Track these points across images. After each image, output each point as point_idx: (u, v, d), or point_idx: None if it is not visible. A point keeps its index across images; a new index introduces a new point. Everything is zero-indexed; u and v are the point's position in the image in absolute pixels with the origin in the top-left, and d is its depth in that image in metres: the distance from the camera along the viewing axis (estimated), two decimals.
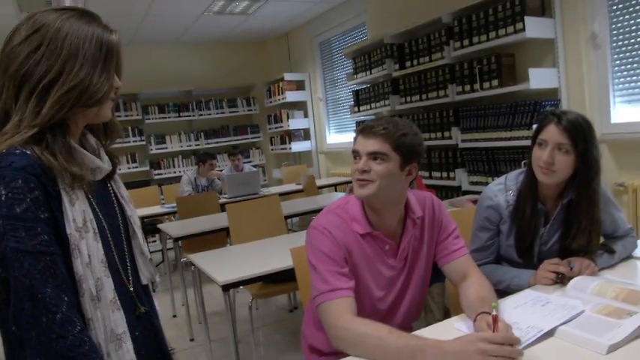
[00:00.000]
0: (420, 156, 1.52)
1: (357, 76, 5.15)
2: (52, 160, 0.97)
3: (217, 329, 3.65)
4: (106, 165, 1.13)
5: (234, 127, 7.49)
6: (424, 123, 4.33)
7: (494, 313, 1.22)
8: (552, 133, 1.64)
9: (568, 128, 1.62)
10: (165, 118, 6.96)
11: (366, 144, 1.46)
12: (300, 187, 5.66)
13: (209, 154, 5.70)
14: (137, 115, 6.75)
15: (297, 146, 6.93)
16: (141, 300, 1.17)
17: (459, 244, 1.61)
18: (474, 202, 3.11)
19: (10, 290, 0.92)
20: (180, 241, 3.77)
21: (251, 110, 7.51)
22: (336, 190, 5.83)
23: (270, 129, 7.41)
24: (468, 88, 3.85)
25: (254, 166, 6.76)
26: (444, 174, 4.23)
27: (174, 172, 6.97)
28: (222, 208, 4.61)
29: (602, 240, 1.79)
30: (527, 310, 1.40)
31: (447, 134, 4.12)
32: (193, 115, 7.10)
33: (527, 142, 3.26)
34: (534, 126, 3.27)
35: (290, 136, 6.98)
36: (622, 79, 3.26)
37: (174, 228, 3.93)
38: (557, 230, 1.77)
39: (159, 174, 6.91)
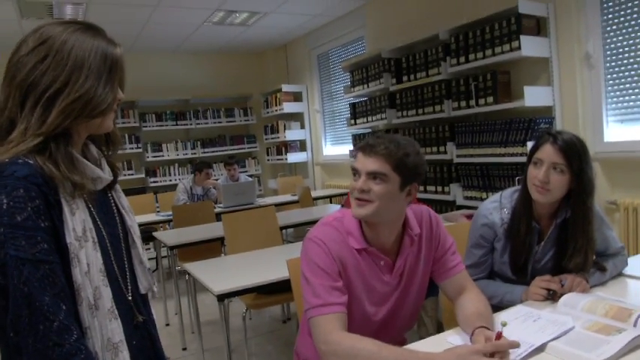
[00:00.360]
0: (421, 176, 1.50)
1: (355, 89, 5.20)
2: (53, 170, 0.99)
3: (210, 339, 3.64)
4: (106, 175, 1.15)
5: (230, 136, 7.52)
6: (420, 137, 4.38)
7: (500, 330, 1.23)
8: (548, 152, 1.67)
9: (563, 148, 1.65)
10: (163, 126, 6.99)
11: (366, 163, 1.44)
12: (295, 197, 5.68)
13: (205, 163, 5.71)
14: (134, 122, 6.77)
15: (293, 157, 6.96)
16: (139, 309, 1.18)
17: (457, 260, 1.62)
18: (468, 217, 3.14)
19: (9, 297, 0.93)
20: (175, 250, 3.77)
21: (248, 120, 7.54)
22: (331, 202, 5.86)
23: (266, 139, 7.45)
24: (463, 104, 3.90)
25: (250, 175, 6.77)
26: (439, 188, 4.27)
27: (170, 181, 6.98)
28: (218, 217, 4.62)
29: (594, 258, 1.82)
30: (518, 326, 1.42)
31: (442, 149, 4.17)
32: (190, 124, 7.13)
33: (522, 159, 3.33)
34: (529, 143, 3.33)
35: (286, 147, 7.01)
36: (615, 99, 3.32)
37: (169, 236, 3.93)
38: (551, 248, 1.80)
39: (154, 182, 6.92)
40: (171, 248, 3.69)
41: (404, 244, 1.55)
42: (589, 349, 1.23)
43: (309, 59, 6.79)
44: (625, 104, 3.28)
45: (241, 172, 6.43)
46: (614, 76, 3.31)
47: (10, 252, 0.93)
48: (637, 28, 3.15)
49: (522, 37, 3.36)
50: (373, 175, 1.43)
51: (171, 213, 4.72)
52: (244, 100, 7.62)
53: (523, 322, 1.45)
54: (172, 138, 7.12)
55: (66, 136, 1.05)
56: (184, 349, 3.60)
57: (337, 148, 6.52)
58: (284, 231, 4.39)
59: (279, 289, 2.54)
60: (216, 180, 5.87)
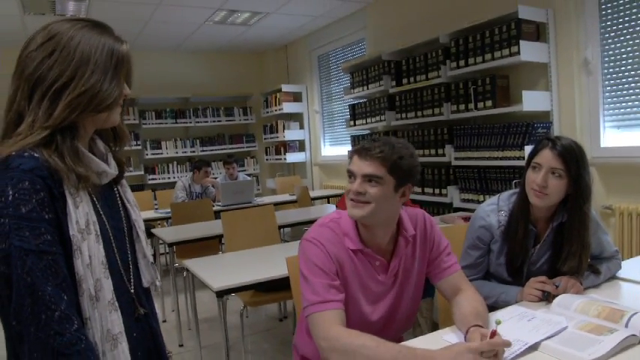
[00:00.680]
0: (414, 178, 1.53)
1: (354, 90, 5.23)
2: (58, 162, 1.01)
3: (207, 336, 3.67)
4: (112, 170, 1.16)
5: (230, 135, 7.54)
6: (419, 140, 4.41)
7: (495, 328, 1.27)
8: (546, 157, 1.70)
9: (562, 153, 1.68)
10: (162, 123, 7.01)
11: (361, 166, 1.47)
12: (293, 197, 5.71)
13: (204, 161, 5.73)
14: (134, 119, 6.79)
15: (291, 157, 6.99)
16: (141, 302, 1.20)
17: (452, 261, 1.65)
18: (465, 219, 3.17)
19: (12, 287, 0.95)
20: (173, 247, 3.79)
21: (247, 120, 7.57)
22: (328, 202, 5.89)
23: (265, 139, 7.47)
24: (462, 107, 3.94)
25: (248, 175, 6.80)
26: (437, 190, 4.30)
27: (169, 178, 7.01)
28: (216, 215, 4.64)
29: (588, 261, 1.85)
30: (513, 325, 1.45)
31: (440, 151, 4.20)
32: (190, 122, 7.16)
33: (519, 163, 3.36)
34: (526, 147, 3.36)
35: (285, 146, 7.04)
36: (612, 105, 3.36)
37: (167, 233, 3.96)
38: (547, 251, 1.83)
39: (153, 179, 6.94)
40: (170, 245, 3.71)
41: (399, 244, 1.59)
42: (581, 348, 1.26)
43: (309, 60, 6.82)
44: (622, 110, 3.32)
45: (240, 171, 6.46)
46: (612, 82, 3.34)
47: (14, 242, 0.95)
48: (635, 35, 3.19)
49: (522, 42, 3.40)
50: (369, 178, 1.46)
51: (169, 210, 4.75)
52: (244, 99, 7.64)
53: (518, 322, 1.48)
54: (172, 136, 7.15)
55: (72, 130, 1.06)
56: (181, 345, 3.62)
57: (336, 149, 6.55)
58: (281, 230, 4.42)
59: (277, 287, 2.57)
60: (215, 178, 5.89)
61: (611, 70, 3.34)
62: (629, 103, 3.27)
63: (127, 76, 1.16)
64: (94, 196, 1.11)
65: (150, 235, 4.36)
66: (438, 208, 4.37)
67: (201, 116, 7.25)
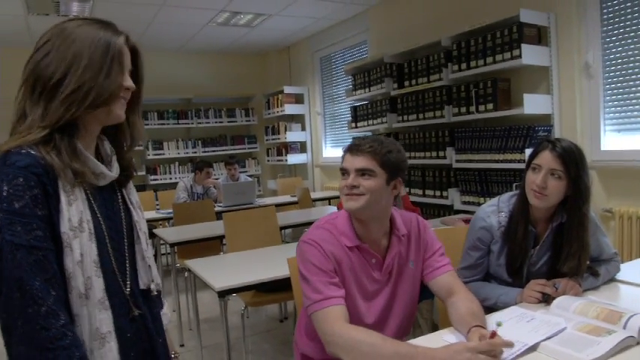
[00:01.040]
0: (403, 172, 1.61)
1: (356, 92, 5.25)
2: (54, 160, 1.03)
3: (207, 336, 3.68)
4: (113, 173, 1.17)
5: (231, 136, 7.56)
6: (420, 142, 4.42)
7: (495, 329, 1.28)
8: (546, 158, 1.72)
9: (562, 155, 1.70)
10: (164, 124, 7.03)
11: (354, 161, 1.55)
12: (294, 199, 5.72)
13: (206, 162, 5.75)
14: None
15: (293, 159, 7.00)
16: (137, 303, 1.19)
17: (444, 262, 1.68)
18: (466, 221, 3.18)
19: (2, 280, 0.97)
20: (175, 247, 3.81)
21: (249, 121, 7.59)
22: (329, 204, 5.90)
23: (267, 140, 7.49)
24: (464, 110, 3.95)
25: (250, 176, 6.81)
26: (437, 192, 4.31)
27: (171, 179, 7.02)
28: (218, 216, 4.65)
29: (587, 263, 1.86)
30: (513, 325, 1.47)
31: (441, 154, 4.21)
32: (192, 123, 7.18)
33: (520, 165, 3.38)
34: (527, 150, 3.38)
35: (287, 148, 7.05)
36: (613, 109, 3.37)
37: (169, 234, 3.97)
38: (546, 252, 1.84)
39: (155, 179, 6.96)
40: (172, 245, 3.72)
41: (392, 242, 1.64)
42: (580, 348, 1.28)
43: (311, 62, 6.84)
44: (622, 114, 3.33)
45: (241, 172, 6.47)
46: (613, 86, 3.36)
47: (5, 237, 0.97)
48: (636, 39, 3.21)
49: (523, 46, 3.41)
50: (362, 172, 1.54)
51: (171, 211, 4.77)
52: (246, 100, 7.66)
53: (517, 323, 1.49)
54: (174, 136, 7.16)
55: (72, 128, 1.08)
56: (182, 345, 3.64)
57: (337, 151, 6.55)
58: (282, 231, 4.43)
59: (278, 287, 2.58)
60: (217, 179, 5.91)
61: (612, 74, 3.36)
62: (630, 107, 3.29)
63: (137, 70, 1.18)
64: (91, 195, 1.12)
65: (152, 235, 4.38)
66: (439, 211, 4.38)
67: (203, 117, 7.26)
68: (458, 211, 4.06)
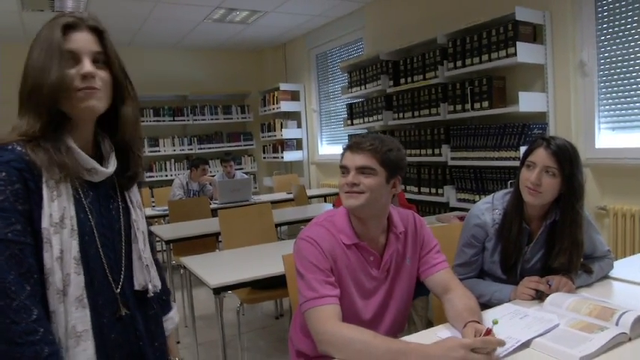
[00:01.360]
0: (403, 170, 1.62)
1: (352, 90, 5.25)
2: (39, 156, 1.03)
3: (203, 333, 3.68)
4: (108, 169, 1.15)
5: (227, 133, 7.55)
6: (415, 139, 4.43)
7: (491, 327, 1.29)
8: (541, 156, 1.73)
9: (556, 152, 1.71)
10: (160, 121, 7.01)
11: (354, 159, 1.55)
12: (290, 196, 5.72)
13: (202, 159, 5.74)
14: None
15: (289, 156, 7.01)
16: (126, 304, 1.17)
17: (440, 259, 1.69)
18: (461, 218, 3.19)
19: None
20: (170, 244, 3.81)
21: (245, 118, 7.58)
22: (325, 201, 5.91)
23: (263, 137, 7.49)
24: (459, 107, 3.96)
25: (245, 173, 6.81)
26: (433, 190, 4.33)
27: (166, 176, 7.01)
28: (213, 213, 4.65)
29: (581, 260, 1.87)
30: (506, 322, 1.47)
31: (437, 151, 4.22)
32: (188, 120, 7.16)
33: (515, 163, 3.39)
34: (522, 147, 3.39)
35: (282, 145, 7.06)
36: (607, 107, 3.39)
37: (164, 230, 3.97)
38: (540, 249, 1.86)
39: (150, 177, 6.94)
40: (167, 242, 3.72)
41: (390, 240, 1.64)
42: (572, 345, 1.29)
43: (307, 59, 6.83)
44: (617, 112, 3.35)
45: (237, 170, 6.47)
46: (607, 84, 3.37)
47: None
48: (630, 38, 3.22)
49: (518, 44, 3.42)
50: (362, 170, 1.54)
51: (166, 208, 4.76)
52: (242, 97, 7.65)
53: (511, 319, 1.50)
54: (169, 134, 7.15)
55: (62, 124, 1.08)
56: (178, 342, 3.63)
57: (333, 148, 6.57)
58: (278, 228, 4.43)
59: (273, 284, 2.59)
60: (213, 176, 5.90)
61: (606, 72, 3.37)
62: (624, 105, 3.30)
63: (105, 51, 1.11)
64: (82, 191, 1.11)
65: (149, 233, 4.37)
66: (435, 208, 4.39)
67: (199, 114, 7.25)
68: (453, 209, 4.08)
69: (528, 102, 3.52)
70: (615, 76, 3.33)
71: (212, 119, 7.33)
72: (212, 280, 2.33)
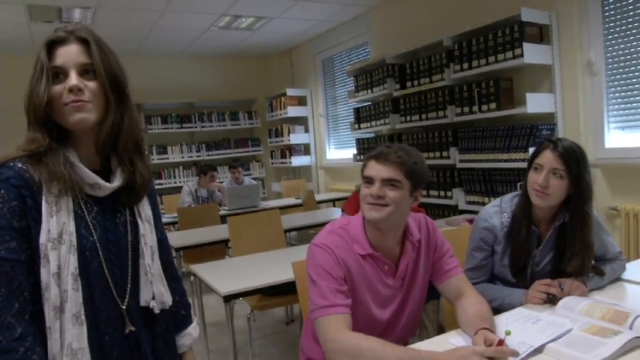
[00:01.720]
0: (425, 183, 1.59)
1: (359, 94, 5.25)
2: (38, 171, 1.04)
3: (214, 340, 3.68)
4: (112, 184, 1.14)
5: (235, 139, 7.57)
6: (423, 142, 4.42)
7: (503, 337, 1.28)
8: (548, 158, 1.73)
9: (563, 154, 1.71)
10: (168, 128, 7.05)
11: (381, 170, 1.52)
12: (299, 201, 5.73)
13: (210, 165, 5.76)
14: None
15: (297, 161, 7.01)
16: (132, 320, 1.15)
17: (454, 264, 1.68)
18: (470, 221, 3.18)
19: None
20: (180, 251, 3.82)
21: (252, 124, 7.60)
22: (334, 206, 5.90)
23: (270, 143, 7.51)
24: (466, 109, 3.95)
25: (254, 179, 6.82)
26: (442, 193, 4.31)
27: (175, 183, 7.04)
28: (222, 219, 4.67)
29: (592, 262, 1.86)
30: (518, 327, 1.46)
31: (445, 154, 4.21)
32: (195, 127, 7.19)
33: (524, 165, 3.37)
34: (530, 149, 3.37)
35: (290, 150, 7.07)
36: (616, 106, 3.36)
37: (174, 238, 3.98)
38: (550, 252, 1.84)
39: (159, 184, 6.97)
40: (177, 250, 3.73)
41: (406, 249, 1.62)
42: (586, 350, 1.27)
43: (313, 64, 6.85)
44: (626, 111, 3.32)
45: (245, 175, 6.48)
46: (616, 83, 3.35)
47: None
48: (638, 36, 3.20)
49: (525, 45, 3.41)
50: (388, 182, 1.50)
51: (176, 215, 4.78)
52: (249, 103, 7.68)
53: (523, 324, 1.49)
54: (177, 141, 7.18)
55: (65, 140, 1.09)
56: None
57: (341, 152, 6.57)
58: (287, 234, 4.44)
59: (284, 290, 2.59)
60: (221, 183, 5.92)
61: (614, 71, 3.35)
62: (634, 104, 3.27)
63: (61, 67, 1.07)
64: (84, 206, 1.10)
65: None
66: (444, 211, 4.37)
67: (207, 121, 7.28)
68: (462, 211, 4.06)
69: (536, 103, 3.50)
70: (624, 75, 3.30)
71: (219, 126, 7.36)
72: (222, 287, 2.33)
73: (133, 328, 1.14)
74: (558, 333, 1.38)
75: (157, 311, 1.19)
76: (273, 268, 2.64)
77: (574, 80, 3.47)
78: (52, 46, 1.08)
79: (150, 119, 6.91)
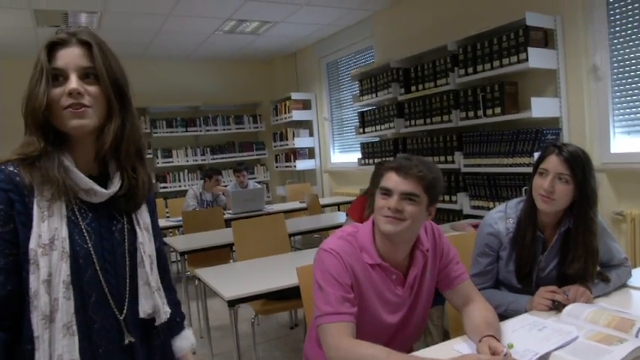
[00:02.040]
0: (439, 197, 1.58)
1: (363, 98, 5.25)
2: (30, 176, 1.02)
3: (219, 344, 3.68)
4: (109, 190, 1.10)
5: (240, 143, 7.59)
6: (428, 147, 4.42)
7: (508, 350, 1.28)
8: (553, 163, 1.73)
9: (568, 159, 1.71)
10: (173, 132, 7.07)
11: (400, 183, 1.49)
12: (303, 205, 5.73)
13: (215, 169, 5.77)
14: (145, 128, 6.83)
15: (301, 164, 7.02)
16: (131, 331, 1.11)
17: (460, 270, 1.67)
18: (475, 226, 3.17)
19: None
20: (185, 255, 3.83)
21: (257, 127, 7.61)
22: (339, 210, 5.90)
23: (275, 146, 7.52)
24: (471, 114, 3.94)
25: (258, 182, 6.83)
26: (446, 197, 4.30)
27: (180, 186, 7.06)
28: (227, 223, 4.67)
29: (597, 269, 1.85)
30: (524, 334, 1.46)
31: (450, 158, 4.20)
32: (200, 131, 7.21)
33: (528, 169, 3.36)
34: (535, 153, 3.36)
35: (295, 154, 7.07)
36: (622, 111, 3.35)
37: (179, 242, 3.99)
38: (555, 257, 1.84)
39: (164, 187, 7.00)
40: (182, 254, 3.74)
41: (416, 258, 1.61)
42: (591, 358, 1.27)
43: (318, 68, 6.86)
44: (632, 116, 3.31)
45: (250, 179, 6.49)
46: (621, 88, 3.34)
47: None
48: None
49: (530, 49, 3.40)
50: (407, 196, 1.48)
51: (180, 219, 4.79)
52: (254, 107, 7.70)
53: (529, 331, 1.48)
54: (182, 144, 7.21)
55: (61, 144, 1.06)
56: (193, 353, 3.64)
57: (345, 156, 6.57)
58: (292, 238, 4.44)
59: (288, 295, 2.59)
60: (225, 186, 5.93)
61: (620, 75, 3.33)
62: (639, 109, 3.26)
63: (62, 70, 1.04)
64: (79, 212, 1.07)
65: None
66: (448, 215, 4.37)
67: (212, 124, 7.30)
68: (467, 216, 4.05)
69: (541, 107, 3.49)
70: (629, 80, 3.29)
71: (224, 129, 7.38)
72: (226, 292, 2.33)
73: (132, 339, 1.11)
74: (564, 341, 1.37)
75: (157, 323, 1.16)
76: (278, 272, 2.65)
77: (579, 85, 3.46)
78: (52, 47, 1.05)
79: (155, 123, 6.94)
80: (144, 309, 1.13)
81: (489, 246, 1.89)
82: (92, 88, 1.05)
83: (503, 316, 1.70)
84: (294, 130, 7.01)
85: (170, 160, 7.06)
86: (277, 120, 7.34)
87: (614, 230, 3.15)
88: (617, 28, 3.31)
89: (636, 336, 1.35)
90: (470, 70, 3.91)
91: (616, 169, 3.31)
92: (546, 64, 3.50)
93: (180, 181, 7.14)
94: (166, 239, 4.21)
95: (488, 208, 3.82)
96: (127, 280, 1.12)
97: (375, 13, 5.44)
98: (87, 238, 1.06)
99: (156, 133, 6.93)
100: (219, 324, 4.07)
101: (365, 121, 5.31)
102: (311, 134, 7.05)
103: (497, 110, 3.71)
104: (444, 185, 1.58)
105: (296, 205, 5.95)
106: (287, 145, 7.13)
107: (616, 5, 3.30)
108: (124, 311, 1.10)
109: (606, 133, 3.40)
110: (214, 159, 7.32)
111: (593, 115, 3.44)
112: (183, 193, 6.15)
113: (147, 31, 5.51)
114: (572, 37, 3.47)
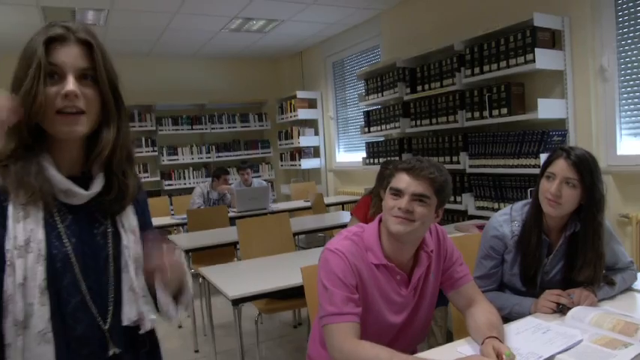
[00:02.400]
0: (447, 200, 1.58)
1: (369, 97, 5.25)
2: (6, 178, 0.98)
3: (222, 342, 3.69)
4: (89, 191, 1.05)
5: (245, 141, 7.60)
6: (433, 147, 4.41)
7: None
8: (561, 167, 1.71)
9: (576, 163, 1.69)
10: (178, 130, 7.09)
11: (412, 184, 1.49)
12: (308, 203, 5.73)
13: (223, 169, 5.76)
14: (151, 126, 6.87)
15: (306, 163, 7.02)
16: (115, 340, 1.05)
17: (464, 272, 1.67)
18: (480, 227, 3.16)
19: None
20: (189, 253, 3.84)
21: (262, 126, 7.62)
22: (343, 209, 5.90)
23: (280, 145, 7.52)
24: (477, 114, 3.93)
25: (263, 180, 6.83)
26: (451, 198, 4.29)
27: (185, 184, 7.08)
28: (232, 222, 4.68)
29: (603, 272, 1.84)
30: (528, 337, 1.46)
31: (455, 159, 4.19)
32: (205, 129, 7.23)
33: (534, 171, 3.35)
34: (541, 155, 3.35)
35: (300, 152, 7.08)
36: (629, 112, 3.33)
37: (183, 239, 4.00)
38: (560, 261, 1.83)
39: (169, 185, 7.02)
40: (186, 252, 3.75)
41: (420, 259, 1.60)
42: None
43: (324, 66, 6.85)
44: (639, 118, 3.29)
45: (255, 177, 6.48)
46: (629, 89, 3.32)
47: None
48: None
49: (537, 50, 3.38)
50: (418, 197, 1.49)
51: (185, 216, 4.80)
52: (259, 105, 7.70)
53: (533, 334, 1.48)
54: (188, 142, 7.22)
55: (40, 145, 1.01)
56: (196, 351, 3.65)
57: (350, 155, 6.56)
58: (296, 237, 4.44)
59: (291, 294, 2.59)
60: (230, 184, 5.93)
61: (627, 77, 3.32)
62: None
63: (58, 68, 0.98)
64: (57, 214, 1.02)
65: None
66: (453, 216, 4.36)
67: (217, 122, 7.31)
68: (472, 217, 4.04)
69: (548, 109, 3.47)
70: (637, 81, 3.27)
71: (230, 127, 7.39)
72: (230, 291, 2.34)
73: (117, 350, 1.05)
74: (568, 344, 1.37)
75: (144, 330, 1.09)
76: (282, 271, 2.65)
77: (586, 86, 3.44)
78: (49, 42, 0.99)
79: (161, 120, 6.96)
80: (128, 316, 1.06)
81: (494, 249, 1.88)
82: (89, 91, 1.01)
83: (507, 319, 1.70)
84: (300, 129, 7.01)
85: (175, 157, 7.08)
86: (283, 118, 7.35)
87: (619, 233, 3.13)
88: (625, 30, 3.29)
89: None
90: (476, 70, 3.89)
91: (622, 172, 3.29)
92: (553, 65, 3.48)
93: (185, 178, 7.16)
94: (171, 237, 4.22)
95: (493, 209, 3.81)
96: (111, 287, 1.06)
97: (381, 12, 5.43)
98: (65, 241, 1.01)
99: (161, 130, 6.95)
100: (222, 322, 4.08)
101: (370, 120, 5.30)
102: (316, 133, 7.05)
103: (504, 111, 3.69)
104: (452, 188, 1.56)
105: (300, 204, 5.94)
106: (292, 143, 7.14)
107: (624, 6, 3.28)
108: (108, 319, 1.05)
109: (613, 135, 3.38)
110: (219, 157, 7.33)
111: (600, 117, 3.43)
112: (188, 191, 6.17)
113: (154, 28, 5.53)
114: (579, 38, 3.46)
